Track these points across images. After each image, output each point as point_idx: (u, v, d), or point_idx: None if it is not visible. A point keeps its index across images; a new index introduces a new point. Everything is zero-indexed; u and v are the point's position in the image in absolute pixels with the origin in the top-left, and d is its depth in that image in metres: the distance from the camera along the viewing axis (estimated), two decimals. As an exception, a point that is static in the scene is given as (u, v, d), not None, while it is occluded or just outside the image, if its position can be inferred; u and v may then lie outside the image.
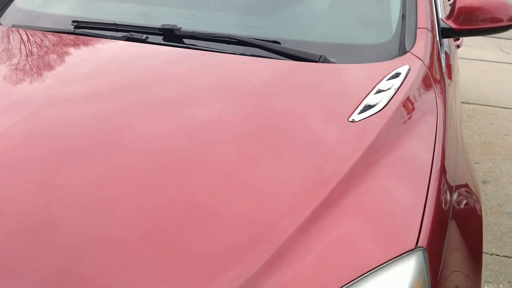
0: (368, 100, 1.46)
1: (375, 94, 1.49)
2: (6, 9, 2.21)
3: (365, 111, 1.41)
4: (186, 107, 1.47)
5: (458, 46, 3.33)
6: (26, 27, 1.99)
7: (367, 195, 1.16)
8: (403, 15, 1.93)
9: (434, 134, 1.41)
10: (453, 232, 1.21)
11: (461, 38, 3.53)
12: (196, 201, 1.11)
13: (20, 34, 1.94)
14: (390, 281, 0.98)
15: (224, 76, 1.64)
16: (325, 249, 1.03)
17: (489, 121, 4.52)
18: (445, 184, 1.27)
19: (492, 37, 7.71)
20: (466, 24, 2.07)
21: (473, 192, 1.53)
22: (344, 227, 1.08)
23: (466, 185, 1.50)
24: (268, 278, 0.95)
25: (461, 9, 2.05)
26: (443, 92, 1.71)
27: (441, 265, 1.08)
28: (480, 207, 1.52)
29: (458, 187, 1.40)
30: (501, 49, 7.80)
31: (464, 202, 1.45)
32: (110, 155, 1.23)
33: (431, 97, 1.60)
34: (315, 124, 1.39)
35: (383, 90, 1.51)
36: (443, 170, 1.29)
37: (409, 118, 1.48)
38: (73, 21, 1.94)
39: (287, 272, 0.97)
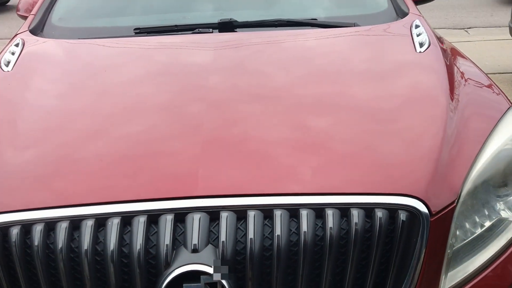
0: (418, 40, 2.04)
1: (417, 36, 2.09)
2: (45, 25, 2.43)
3: (422, 46, 2.00)
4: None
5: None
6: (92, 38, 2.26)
7: (467, 88, 1.76)
8: None
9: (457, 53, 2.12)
10: None
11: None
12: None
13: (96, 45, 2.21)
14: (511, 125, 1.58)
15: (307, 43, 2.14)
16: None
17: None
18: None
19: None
20: None
21: None
22: (472, 109, 1.64)
23: None
24: None
25: None
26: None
27: None
28: None
29: None
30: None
31: None
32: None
33: (437, 35, 2.26)
34: (400, 56, 1.95)
35: (419, 34, 2.11)
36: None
37: (443, 44, 2.12)
38: (135, 29, 2.27)
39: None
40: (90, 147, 1.45)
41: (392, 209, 1.25)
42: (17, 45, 2.20)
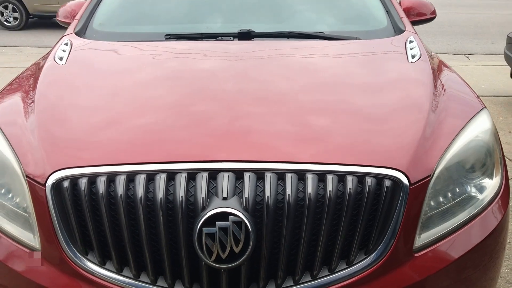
0: (411, 53, 2.40)
1: (410, 49, 2.45)
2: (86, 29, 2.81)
3: (414, 58, 2.36)
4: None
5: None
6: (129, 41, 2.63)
7: (448, 92, 2.10)
8: (387, 11, 2.95)
9: (444, 64, 2.46)
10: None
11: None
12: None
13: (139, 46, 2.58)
14: (482, 122, 1.91)
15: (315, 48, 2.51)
16: (444, 120, 1.90)
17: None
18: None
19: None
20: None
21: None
22: (451, 107, 1.98)
23: None
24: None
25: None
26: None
27: None
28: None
29: None
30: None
31: None
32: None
33: (428, 50, 2.62)
34: (394, 64, 2.31)
35: (412, 48, 2.48)
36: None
37: (433, 58, 2.47)
38: (166, 35, 2.64)
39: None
40: (140, 122, 1.80)
41: (379, 178, 1.59)
42: (66, 44, 2.57)
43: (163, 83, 2.13)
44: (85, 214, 1.56)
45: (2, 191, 1.74)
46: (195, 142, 1.68)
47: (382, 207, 1.58)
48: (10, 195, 1.72)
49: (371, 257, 1.58)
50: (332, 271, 1.57)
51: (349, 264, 1.58)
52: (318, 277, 1.56)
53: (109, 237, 1.55)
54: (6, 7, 11.81)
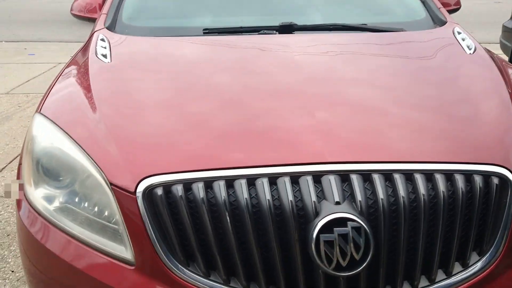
0: (465, 43, 2.35)
1: (463, 40, 2.40)
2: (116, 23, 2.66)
3: (470, 49, 2.30)
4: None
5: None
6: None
7: None
8: (422, 2, 2.89)
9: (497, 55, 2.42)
10: None
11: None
12: None
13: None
14: None
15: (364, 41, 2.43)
16: None
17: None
18: None
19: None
20: None
21: None
22: None
23: None
24: None
25: None
26: None
27: None
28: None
29: None
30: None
31: None
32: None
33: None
34: (456, 56, 2.25)
35: (464, 39, 2.42)
36: None
37: (488, 50, 2.42)
38: (204, 29, 2.52)
39: None
40: (227, 123, 1.70)
41: (485, 176, 1.53)
42: (103, 40, 2.43)
43: (234, 79, 2.02)
44: (184, 222, 1.45)
45: (76, 200, 1.61)
46: (295, 143, 1.58)
47: (492, 205, 1.52)
48: (86, 204, 1.59)
49: (486, 258, 1.52)
50: (449, 275, 1.51)
51: (465, 267, 1.52)
52: (436, 281, 1.50)
53: (214, 246, 1.44)
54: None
